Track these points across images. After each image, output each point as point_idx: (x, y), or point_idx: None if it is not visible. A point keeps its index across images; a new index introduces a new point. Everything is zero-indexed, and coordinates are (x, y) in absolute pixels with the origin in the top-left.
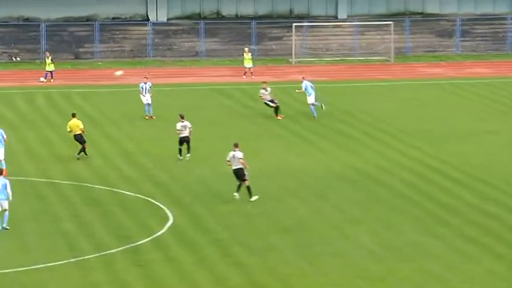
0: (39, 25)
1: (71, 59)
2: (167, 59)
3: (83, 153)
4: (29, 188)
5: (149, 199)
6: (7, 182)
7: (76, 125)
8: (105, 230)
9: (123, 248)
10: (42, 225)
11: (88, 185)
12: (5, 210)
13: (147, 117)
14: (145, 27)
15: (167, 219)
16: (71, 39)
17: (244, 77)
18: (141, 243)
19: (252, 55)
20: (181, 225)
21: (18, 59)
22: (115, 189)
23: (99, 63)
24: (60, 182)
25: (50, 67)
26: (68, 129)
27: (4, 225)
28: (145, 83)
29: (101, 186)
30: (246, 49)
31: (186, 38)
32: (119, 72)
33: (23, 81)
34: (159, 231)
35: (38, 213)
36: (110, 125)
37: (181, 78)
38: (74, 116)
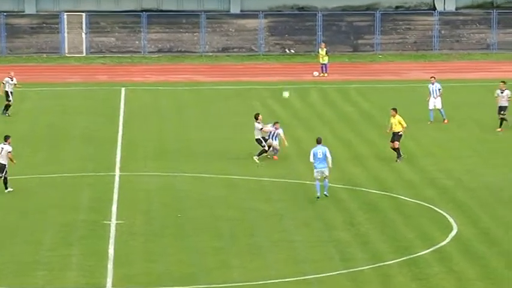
0: (315, 14)
1: (349, 51)
2: (454, 52)
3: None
4: (302, 191)
5: (431, 206)
6: (327, 149)
7: (399, 121)
8: (381, 239)
9: (401, 259)
10: (314, 233)
11: (364, 189)
12: (325, 177)
13: (429, 123)
14: (432, 17)
15: (450, 228)
16: (349, 30)
17: None
18: (421, 255)
19: None
20: (466, 235)
21: (292, 51)
22: (393, 194)
23: (379, 56)
24: (335, 185)
25: (324, 60)
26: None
27: (324, 192)
28: (432, 84)
29: (377, 191)
30: None
31: (476, 29)
32: (285, 94)
33: (296, 75)
34: (442, 241)
35: (310, 219)
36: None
37: (470, 74)
38: (395, 111)
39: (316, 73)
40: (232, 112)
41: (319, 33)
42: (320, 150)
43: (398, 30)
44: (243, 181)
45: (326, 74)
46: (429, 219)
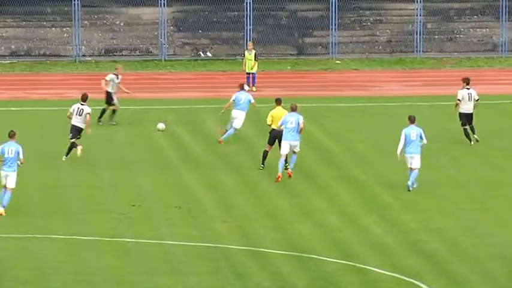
0: (242, 0)
1: (292, 54)
2: (446, 55)
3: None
4: (224, 259)
5: (415, 281)
6: (421, 131)
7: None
8: None
9: None
10: None
11: (315, 256)
12: (415, 168)
13: None
14: (412, 5)
15: None
16: (292, 24)
17: None
18: None
19: None
20: None
21: (208, 54)
22: (357, 264)
23: (337, 62)
24: (273, 251)
25: (252, 67)
26: (269, 122)
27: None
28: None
29: (335, 260)
30: None
31: (477, 22)
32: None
33: (214, 90)
34: None
35: None
36: (356, 165)
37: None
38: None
39: (246, 87)
40: (124, 145)
41: (249, 27)
42: (414, 131)
43: (365, 24)
44: (138, 245)
45: (254, 88)
46: None
